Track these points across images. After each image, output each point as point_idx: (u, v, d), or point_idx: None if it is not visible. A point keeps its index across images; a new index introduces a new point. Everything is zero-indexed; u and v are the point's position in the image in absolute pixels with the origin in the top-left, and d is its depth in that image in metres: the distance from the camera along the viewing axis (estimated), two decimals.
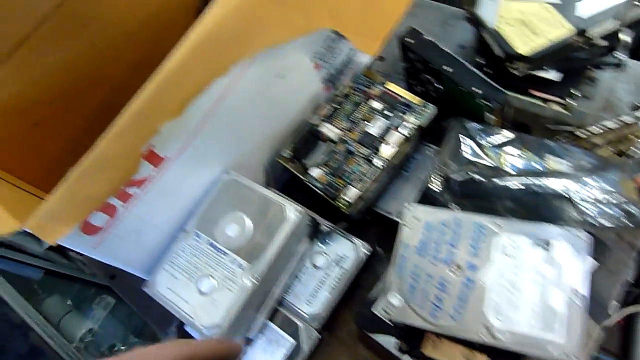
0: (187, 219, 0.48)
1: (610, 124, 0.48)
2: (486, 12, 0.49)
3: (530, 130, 0.53)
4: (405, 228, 0.42)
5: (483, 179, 0.44)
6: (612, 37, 0.46)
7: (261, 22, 0.42)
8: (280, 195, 0.48)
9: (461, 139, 0.47)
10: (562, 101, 0.49)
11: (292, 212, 0.45)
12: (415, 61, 0.53)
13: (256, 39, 0.42)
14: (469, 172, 0.45)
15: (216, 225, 0.47)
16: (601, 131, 0.48)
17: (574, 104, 0.50)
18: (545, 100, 0.50)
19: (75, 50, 0.50)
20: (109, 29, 0.52)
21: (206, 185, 0.49)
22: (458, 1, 0.68)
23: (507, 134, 0.48)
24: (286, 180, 0.57)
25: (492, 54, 0.49)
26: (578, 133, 0.49)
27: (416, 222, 0.42)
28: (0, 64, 0.46)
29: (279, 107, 0.52)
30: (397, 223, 0.47)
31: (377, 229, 0.53)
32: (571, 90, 0.49)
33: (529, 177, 0.44)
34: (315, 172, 0.50)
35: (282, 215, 0.45)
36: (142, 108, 0.38)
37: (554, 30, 0.45)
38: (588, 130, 0.49)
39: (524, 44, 0.46)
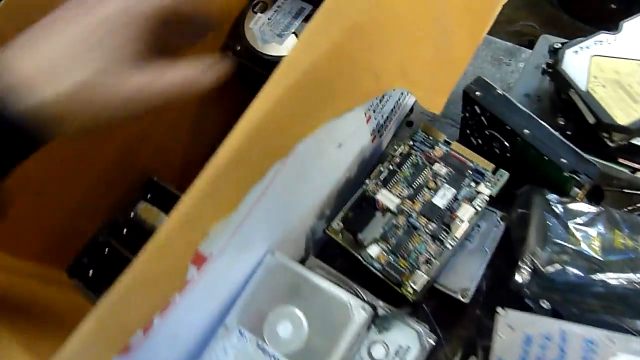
0: (228, 310, 0.41)
1: None
2: (572, 68, 0.42)
3: (604, 194, 0.48)
4: (499, 339, 0.36)
5: (578, 272, 0.38)
6: None
7: (330, 89, 0.34)
8: (335, 282, 0.41)
9: (547, 220, 0.41)
10: None
11: (359, 310, 0.38)
12: (480, 115, 0.47)
13: (323, 111, 0.35)
14: (562, 264, 0.39)
15: (263, 321, 0.40)
16: None
17: None
18: (634, 170, 0.44)
19: None
20: None
21: (249, 270, 0.41)
22: (511, 35, 0.62)
23: (591, 209, 0.42)
24: (325, 241, 0.50)
25: (577, 115, 0.43)
26: None
27: (511, 331, 0.36)
28: None
29: (329, 174, 0.44)
30: (458, 301, 0.42)
31: (433, 303, 0.46)
32: None
33: (629, 272, 0.38)
34: (374, 250, 0.43)
35: (346, 315, 0.38)
36: (191, 212, 0.30)
37: None
38: None
39: (624, 114, 0.40)
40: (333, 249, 0.51)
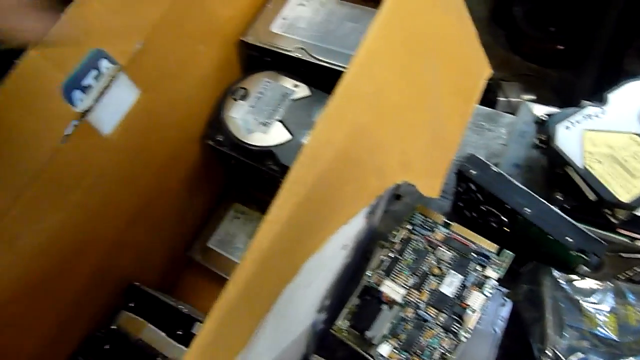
0: None
1: None
2: (566, 144, 0.42)
3: (603, 261, 0.47)
4: None
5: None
6: None
7: (338, 197, 0.32)
8: None
9: (559, 301, 0.40)
10: None
11: None
12: (476, 192, 0.46)
13: (332, 221, 0.32)
14: (584, 352, 0.37)
15: None
16: None
17: None
18: (633, 239, 0.44)
19: (58, 218, 0.37)
20: (103, 181, 0.39)
21: None
22: (488, 99, 0.62)
23: (599, 285, 0.41)
24: (324, 331, 0.48)
25: (574, 190, 0.43)
26: None
27: None
28: None
29: (332, 272, 0.42)
30: None
31: None
32: None
33: None
34: (385, 349, 0.40)
35: None
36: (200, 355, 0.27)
37: None
38: None
39: (625, 190, 0.39)
40: (332, 339, 0.48)
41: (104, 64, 0.36)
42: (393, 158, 0.36)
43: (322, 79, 0.45)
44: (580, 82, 1.21)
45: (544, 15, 1.28)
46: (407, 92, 0.36)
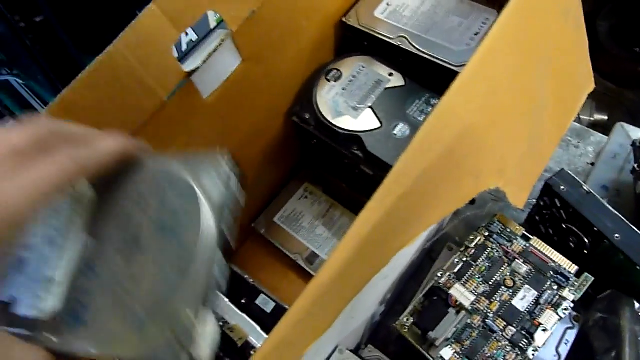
0: None
1: None
2: None
3: None
4: None
5: None
6: None
7: (435, 196, 0.32)
8: None
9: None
10: None
11: None
12: (560, 208, 0.44)
13: (426, 218, 0.32)
14: None
15: None
16: None
17: None
18: None
19: None
20: (192, 142, 0.40)
21: None
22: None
23: None
24: (378, 323, 0.48)
25: None
26: None
27: None
28: None
29: (401, 266, 0.41)
30: None
31: None
32: None
33: None
34: (447, 353, 0.39)
35: None
36: (289, 336, 0.27)
37: None
38: None
39: None
40: (387, 333, 0.48)
41: (217, 28, 0.36)
42: (492, 162, 0.35)
43: (419, 71, 0.44)
44: None
45: (630, 34, 1.22)
46: (516, 97, 0.35)
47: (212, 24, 0.36)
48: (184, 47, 0.36)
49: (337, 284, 0.28)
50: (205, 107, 0.39)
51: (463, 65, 0.38)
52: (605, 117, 1.19)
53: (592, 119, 1.17)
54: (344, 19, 0.46)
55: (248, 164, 0.48)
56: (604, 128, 1.23)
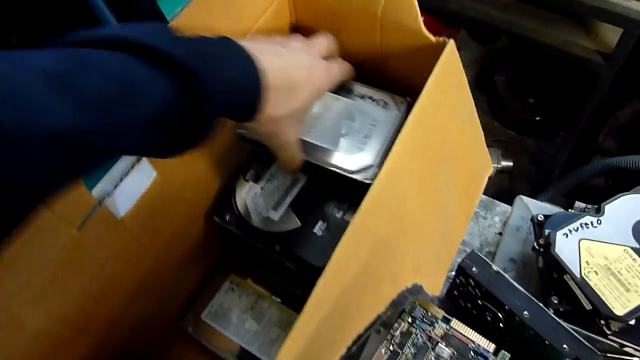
0: None
1: None
2: (565, 252, 0.44)
3: None
4: None
5: None
6: None
7: (356, 309, 0.33)
8: None
9: None
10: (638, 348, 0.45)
11: None
12: (474, 287, 0.47)
13: (349, 333, 0.33)
14: None
15: None
16: None
17: None
18: (622, 345, 0.46)
19: (64, 300, 0.36)
20: (109, 263, 0.38)
21: None
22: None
23: None
24: None
25: (570, 295, 0.44)
26: None
27: None
28: None
29: None
30: None
31: None
32: None
33: None
34: None
35: None
36: None
37: None
38: None
39: (620, 303, 0.41)
40: None
41: None
42: (407, 264, 0.37)
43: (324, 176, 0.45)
44: (556, 154, 1.26)
45: (524, 86, 1.35)
46: (424, 200, 0.38)
47: None
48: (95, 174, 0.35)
49: None
50: (120, 227, 0.38)
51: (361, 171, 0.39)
52: (511, 164, 1.29)
53: (499, 166, 1.27)
54: (237, 130, 0.45)
55: (170, 268, 0.47)
56: (510, 175, 1.33)
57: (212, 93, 0.28)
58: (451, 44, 0.39)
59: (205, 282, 0.54)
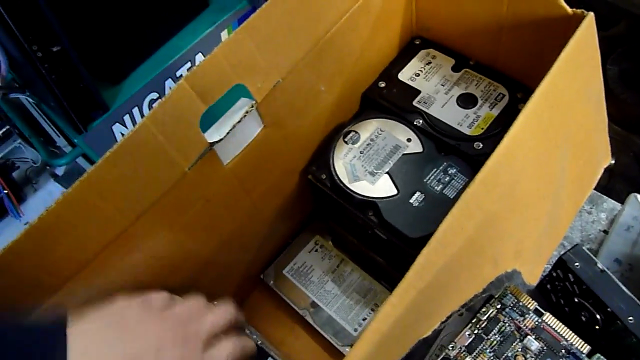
0: None
1: None
2: None
3: None
4: None
5: None
6: None
7: (455, 284, 0.32)
8: None
9: None
10: None
11: None
12: (573, 283, 0.44)
13: (446, 307, 0.32)
14: None
15: None
16: None
17: None
18: None
19: (166, 237, 0.38)
20: (210, 206, 0.40)
21: None
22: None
23: None
24: None
25: None
26: None
27: None
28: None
29: None
30: None
31: None
32: None
33: None
34: None
35: None
36: None
37: None
38: None
39: None
40: None
41: (243, 99, 0.36)
42: (510, 247, 0.35)
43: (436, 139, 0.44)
44: None
45: (639, 78, 1.23)
46: (538, 182, 0.35)
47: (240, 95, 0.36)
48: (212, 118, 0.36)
49: None
50: (224, 172, 0.39)
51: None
52: (613, 161, 1.20)
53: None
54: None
55: (262, 219, 0.48)
56: (610, 173, 1.23)
57: None
58: (590, 17, 0.36)
59: (290, 239, 0.55)
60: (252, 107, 0.37)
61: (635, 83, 1.23)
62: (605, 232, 0.52)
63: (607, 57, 1.26)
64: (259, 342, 0.44)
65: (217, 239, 0.43)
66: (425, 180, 0.43)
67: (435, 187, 0.43)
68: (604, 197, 0.55)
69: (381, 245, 0.46)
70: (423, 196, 0.43)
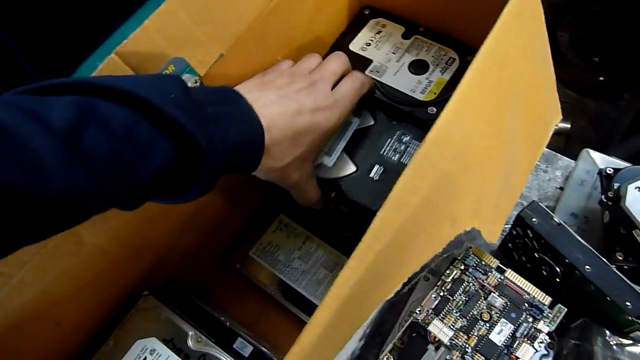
0: None
1: None
2: (636, 206, 0.41)
3: None
4: None
5: None
6: None
7: (414, 245, 0.32)
8: None
9: None
10: None
11: None
12: (533, 239, 0.45)
13: (406, 268, 0.32)
14: None
15: None
16: None
17: None
18: None
19: (120, 221, 0.37)
20: None
21: None
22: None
23: None
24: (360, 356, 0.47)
25: (636, 252, 0.42)
26: None
27: None
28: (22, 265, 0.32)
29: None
30: None
31: None
32: None
33: None
34: None
35: None
36: None
37: None
38: None
39: None
40: None
41: (186, 74, 0.35)
42: (467, 206, 0.36)
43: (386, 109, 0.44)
44: (619, 117, 1.19)
45: (589, 44, 1.26)
46: (490, 140, 0.35)
47: (179, 69, 0.35)
48: None
49: (319, 345, 0.27)
50: None
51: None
52: (568, 125, 1.23)
53: (556, 127, 1.21)
54: None
55: (222, 200, 0.47)
56: (567, 137, 1.27)
57: (213, 161, 0.29)
58: None
59: (253, 221, 0.54)
60: (197, 82, 0.36)
61: (586, 49, 1.26)
62: (561, 189, 0.53)
63: (557, 24, 1.29)
64: (228, 322, 0.43)
65: (177, 222, 0.42)
66: (381, 152, 0.43)
67: (393, 157, 0.43)
68: (559, 155, 0.56)
69: (345, 219, 0.46)
70: (382, 168, 0.43)
